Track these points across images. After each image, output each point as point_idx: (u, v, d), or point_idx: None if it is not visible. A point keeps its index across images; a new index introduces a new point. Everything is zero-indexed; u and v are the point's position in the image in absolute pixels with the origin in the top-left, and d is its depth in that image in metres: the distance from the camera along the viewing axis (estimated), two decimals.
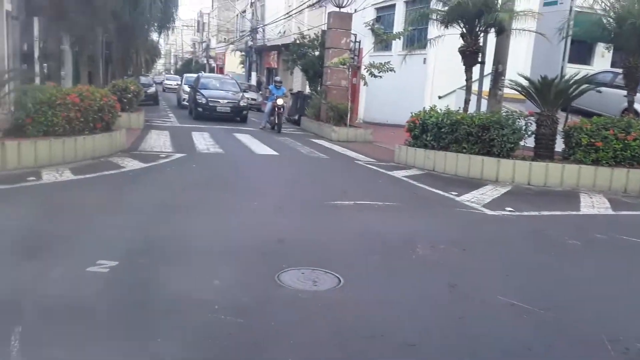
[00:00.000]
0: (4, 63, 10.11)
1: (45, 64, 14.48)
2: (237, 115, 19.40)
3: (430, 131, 10.82)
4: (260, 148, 12.70)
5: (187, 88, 24.44)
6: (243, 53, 44.42)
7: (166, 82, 45.67)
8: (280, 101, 16.50)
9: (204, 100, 18.96)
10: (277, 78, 17.77)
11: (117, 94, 13.26)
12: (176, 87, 33.88)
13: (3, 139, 8.06)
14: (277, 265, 4.54)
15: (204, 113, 18.82)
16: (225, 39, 51.76)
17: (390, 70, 14.95)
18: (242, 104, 19.71)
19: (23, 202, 6.43)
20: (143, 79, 26.53)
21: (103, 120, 9.69)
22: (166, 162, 9.77)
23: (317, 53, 21.73)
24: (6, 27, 13.61)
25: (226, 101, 19.25)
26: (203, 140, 13.37)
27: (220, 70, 54.09)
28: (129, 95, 14.82)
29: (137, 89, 15.54)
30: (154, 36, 33.16)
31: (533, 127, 10.13)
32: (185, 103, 23.94)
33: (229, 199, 7.35)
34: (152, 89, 26.09)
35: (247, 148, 12.72)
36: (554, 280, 4.85)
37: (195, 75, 29.13)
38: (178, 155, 10.63)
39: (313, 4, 26.66)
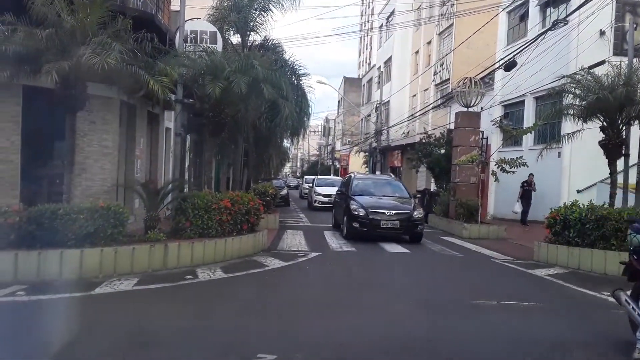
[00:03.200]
0: (168, 174, 11.48)
1: (192, 172, 16.20)
2: (408, 233, 13.67)
3: (573, 227, 10.31)
4: (391, 246, 12.78)
5: (320, 190, 25.42)
6: (367, 154, 45.97)
7: (305, 185, 38.75)
8: None
9: (361, 212, 13.54)
10: None
11: (257, 197, 14.32)
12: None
13: (166, 240, 9.00)
14: None
15: (361, 230, 13.48)
16: (349, 141, 54.08)
17: (523, 165, 14.68)
18: (416, 215, 13.78)
19: (186, 299, 7.06)
20: (275, 182, 28.28)
21: (249, 222, 10.50)
22: (304, 261, 10.21)
23: (442, 151, 21.98)
24: (165, 143, 15.62)
25: (394, 212, 13.60)
26: (335, 239, 13.79)
27: (344, 170, 56.12)
28: (267, 198, 15.91)
29: (274, 192, 16.66)
30: (286, 143, 35.68)
31: None
32: (317, 205, 24.85)
33: (368, 297, 7.48)
34: (284, 192, 27.67)
35: (379, 247, 12.87)
36: None
37: (326, 177, 29.82)
38: (314, 254, 11.06)
39: (438, 106, 27.33)
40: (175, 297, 7.16)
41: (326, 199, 24.31)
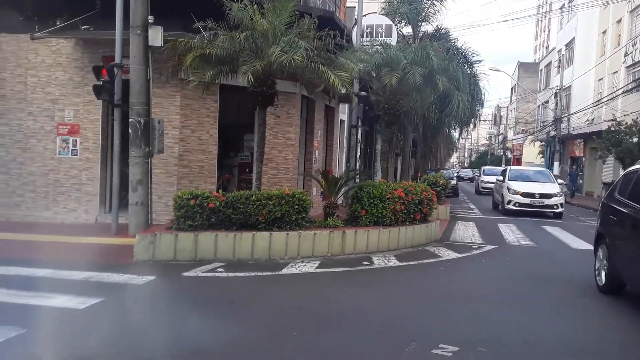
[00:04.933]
0: (341, 164, 12.02)
1: (362, 162, 16.71)
2: None
3: None
4: (576, 242, 11.94)
5: (516, 186, 18.35)
6: (543, 143, 43.06)
7: (484, 177, 30.59)
8: None
9: None
10: None
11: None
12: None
13: (343, 227, 9.48)
14: None
15: None
16: (523, 130, 51.06)
17: None
18: None
19: (365, 284, 7.40)
20: (445, 173, 27.84)
21: (422, 212, 10.57)
22: (479, 254, 10.02)
23: (635, 140, 19.96)
24: (339, 134, 16.29)
25: None
26: (511, 232, 13.26)
27: (517, 161, 53.15)
28: (438, 189, 15.78)
29: (445, 182, 16.50)
30: (455, 132, 34.87)
31: None
32: (512, 207, 17.82)
33: (552, 294, 7.14)
34: (453, 182, 27.09)
35: (561, 242, 12.11)
36: None
37: (523, 168, 24.46)
38: (489, 247, 10.79)
39: (630, 90, 24.62)
40: (355, 281, 7.53)
41: (526, 200, 17.82)
